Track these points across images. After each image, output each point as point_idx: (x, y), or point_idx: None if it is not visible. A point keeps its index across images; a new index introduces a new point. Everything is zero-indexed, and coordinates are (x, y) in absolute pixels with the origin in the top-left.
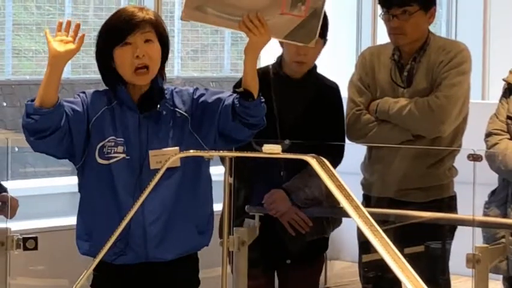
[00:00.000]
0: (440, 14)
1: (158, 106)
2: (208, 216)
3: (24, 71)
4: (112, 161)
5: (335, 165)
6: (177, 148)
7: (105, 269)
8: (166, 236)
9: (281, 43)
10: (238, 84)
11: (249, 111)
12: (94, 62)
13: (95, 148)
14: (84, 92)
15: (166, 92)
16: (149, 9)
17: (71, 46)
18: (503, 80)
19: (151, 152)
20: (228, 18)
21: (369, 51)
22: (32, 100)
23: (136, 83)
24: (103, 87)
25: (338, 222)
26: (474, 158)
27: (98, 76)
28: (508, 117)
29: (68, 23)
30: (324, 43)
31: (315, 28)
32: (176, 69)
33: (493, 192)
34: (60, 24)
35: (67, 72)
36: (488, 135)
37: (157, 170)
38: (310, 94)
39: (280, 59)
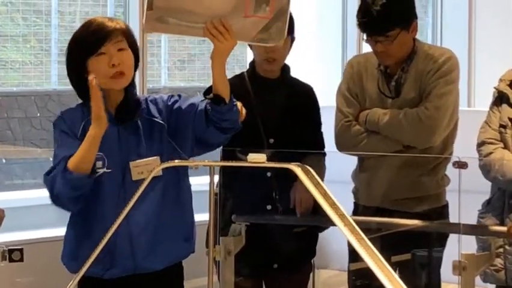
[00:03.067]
0: (426, 22)
1: (134, 117)
2: (191, 224)
3: (10, 82)
4: (96, 175)
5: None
6: (158, 158)
7: (94, 284)
8: (153, 246)
9: (250, 45)
10: (208, 90)
11: (222, 116)
12: None
13: None
14: (60, 117)
15: (141, 101)
16: (119, 19)
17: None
18: (495, 88)
19: (132, 163)
20: (191, 26)
21: (356, 60)
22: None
23: (113, 87)
24: None
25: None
26: (459, 165)
27: None
28: (501, 126)
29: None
30: (292, 40)
31: (283, 28)
32: (163, 79)
33: (488, 202)
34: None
35: (54, 83)
36: (481, 144)
37: (139, 181)
38: (285, 95)
39: (253, 63)
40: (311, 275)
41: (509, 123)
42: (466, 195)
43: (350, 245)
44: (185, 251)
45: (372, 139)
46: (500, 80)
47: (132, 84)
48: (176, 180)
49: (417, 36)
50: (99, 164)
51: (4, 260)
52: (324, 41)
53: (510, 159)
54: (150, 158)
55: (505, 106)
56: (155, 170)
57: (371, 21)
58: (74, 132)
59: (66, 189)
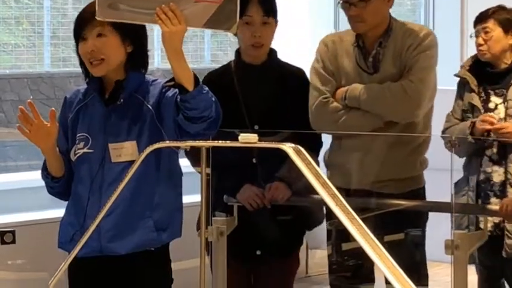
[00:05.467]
0: (419, 1)
1: (121, 100)
2: (171, 212)
3: (3, 65)
4: (76, 157)
5: (315, 153)
6: (134, 142)
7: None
8: (119, 230)
9: (236, 33)
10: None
11: (187, 104)
12: (74, 55)
13: (71, 149)
14: (64, 100)
15: (142, 83)
16: None
17: (49, 129)
18: (455, 75)
19: (111, 145)
20: (142, 13)
21: (330, 39)
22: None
23: (93, 74)
24: (83, 80)
25: (319, 221)
26: (452, 144)
27: (78, 69)
28: (464, 111)
29: (23, 110)
30: (276, 23)
31: (234, 13)
32: (156, 61)
33: (457, 182)
34: (21, 115)
35: (47, 65)
36: (443, 132)
37: (119, 163)
38: (273, 79)
39: (238, 51)
40: (305, 257)
41: (470, 108)
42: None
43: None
44: (154, 240)
45: (352, 115)
46: (461, 67)
47: (138, 65)
48: (156, 165)
49: (410, 15)
50: (81, 144)
51: None
52: (316, 25)
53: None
54: (127, 142)
55: (466, 93)
56: (146, 152)
57: None
58: (67, 116)
59: (46, 187)
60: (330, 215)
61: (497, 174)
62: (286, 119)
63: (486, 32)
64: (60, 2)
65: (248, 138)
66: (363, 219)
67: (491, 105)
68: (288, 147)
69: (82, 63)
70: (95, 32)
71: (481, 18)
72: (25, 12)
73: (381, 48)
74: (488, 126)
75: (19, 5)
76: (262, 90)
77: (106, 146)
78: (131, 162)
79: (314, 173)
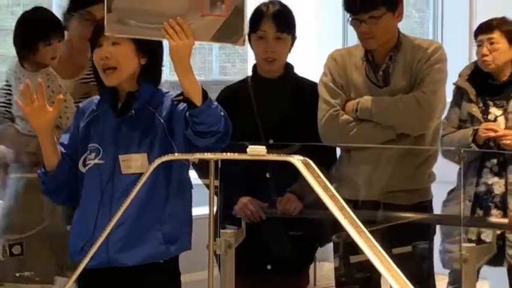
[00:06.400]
0: (427, 15)
1: (133, 112)
2: (181, 225)
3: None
4: (87, 168)
5: (328, 167)
6: (145, 154)
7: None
8: (128, 241)
9: (251, 46)
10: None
11: (195, 118)
12: None
13: (80, 158)
14: (78, 106)
15: (154, 95)
16: None
17: (48, 113)
18: (454, 84)
19: (121, 157)
20: (151, 28)
21: (339, 54)
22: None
23: (106, 84)
24: None
25: (328, 240)
26: (460, 157)
27: None
28: (461, 121)
29: (28, 87)
30: (293, 39)
31: (241, 26)
32: (164, 73)
33: (451, 190)
34: (24, 90)
35: None
36: (441, 139)
37: (129, 175)
38: (289, 93)
39: (255, 65)
40: (313, 269)
41: (469, 118)
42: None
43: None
44: (163, 252)
45: (363, 127)
46: (459, 76)
47: (151, 78)
48: (167, 177)
49: (417, 28)
50: (92, 155)
51: (5, 255)
52: (324, 38)
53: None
54: (137, 154)
55: (464, 102)
56: (155, 164)
57: (357, 0)
58: (78, 125)
59: (41, 185)
60: (337, 228)
61: (498, 186)
62: (302, 133)
63: (492, 43)
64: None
65: (257, 151)
66: (371, 232)
67: (491, 117)
68: (297, 160)
69: (95, 73)
70: (110, 39)
71: (486, 29)
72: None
73: (391, 62)
74: (492, 134)
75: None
76: (278, 105)
77: (117, 157)
78: (142, 174)
79: (323, 185)
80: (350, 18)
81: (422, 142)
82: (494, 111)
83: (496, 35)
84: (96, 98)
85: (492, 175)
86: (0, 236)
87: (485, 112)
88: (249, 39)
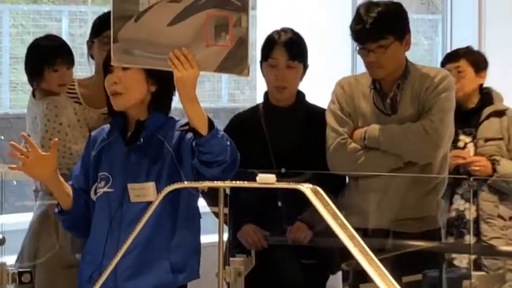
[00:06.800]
0: (436, 42)
1: (142, 140)
2: (189, 254)
3: (21, 104)
4: (97, 196)
5: (336, 195)
6: (153, 184)
7: None
8: (136, 270)
9: (263, 74)
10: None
11: (201, 148)
12: None
13: (92, 187)
14: (90, 135)
15: (164, 123)
16: None
17: (46, 160)
18: None
19: (130, 186)
20: (157, 58)
21: (347, 81)
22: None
23: (114, 108)
24: None
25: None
26: (469, 185)
27: None
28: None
29: (14, 145)
30: (305, 68)
31: (245, 57)
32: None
33: None
34: (12, 152)
35: None
36: None
37: (138, 203)
38: (300, 121)
39: (267, 93)
40: None
41: None
42: None
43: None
44: (170, 282)
45: (371, 156)
46: None
47: (161, 106)
48: (174, 206)
49: (426, 55)
50: (102, 183)
51: (14, 283)
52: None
53: None
54: (146, 183)
55: None
56: (164, 192)
57: (365, 29)
58: (90, 154)
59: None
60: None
61: (469, 212)
62: (314, 161)
63: (459, 71)
64: (79, 41)
65: (266, 179)
66: (380, 260)
67: (460, 144)
68: (306, 188)
69: (108, 101)
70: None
71: (452, 58)
72: None
73: (399, 90)
74: (461, 161)
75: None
76: (289, 133)
77: (126, 185)
78: (151, 202)
79: (332, 213)
80: (358, 48)
81: (430, 170)
82: (464, 138)
83: (462, 63)
84: (107, 126)
85: (463, 201)
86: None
87: (455, 140)
88: (261, 67)
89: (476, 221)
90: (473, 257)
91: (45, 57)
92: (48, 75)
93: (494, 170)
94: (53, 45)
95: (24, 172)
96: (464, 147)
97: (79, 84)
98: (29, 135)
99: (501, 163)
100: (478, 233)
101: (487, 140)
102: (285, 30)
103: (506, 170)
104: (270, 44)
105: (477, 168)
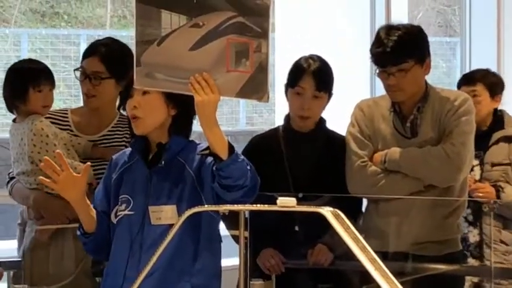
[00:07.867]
0: (454, 64)
1: (163, 163)
2: (210, 278)
3: None
4: (117, 219)
5: (354, 219)
6: (174, 207)
7: None
8: None
9: (287, 99)
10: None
11: (221, 172)
12: None
13: (112, 210)
14: (112, 158)
15: (185, 146)
16: None
17: (77, 180)
18: None
19: (151, 208)
20: (178, 82)
21: (366, 104)
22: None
23: (134, 132)
24: None
25: None
26: (490, 208)
27: None
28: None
29: (48, 160)
30: (329, 97)
31: (265, 83)
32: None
33: None
34: (45, 166)
35: None
36: None
37: (158, 226)
38: (320, 147)
39: (288, 117)
40: None
41: None
42: None
43: None
44: None
45: (392, 178)
46: None
47: (181, 129)
48: (196, 229)
49: (444, 78)
50: (123, 206)
51: None
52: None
53: None
54: (167, 206)
55: None
56: (184, 215)
57: (385, 52)
58: (111, 177)
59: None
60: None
61: (472, 235)
62: (330, 187)
63: (474, 96)
64: None
65: (286, 203)
66: (401, 283)
67: None
68: (326, 211)
69: (129, 125)
70: (141, 90)
71: (469, 81)
72: (62, 76)
73: (419, 113)
74: None
75: (56, 69)
76: (308, 158)
77: (147, 208)
78: (171, 225)
79: (353, 237)
80: (378, 71)
81: (450, 193)
82: None
83: (479, 88)
84: (128, 149)
85: (467, 224)
86: None
87: None
88: (285, 92)
89: (479, 245)
90: (475, 279)
91: (30, 77)
92: (33, 96)
93: (498, 197)
94: (36, 67)
95: (55, 189)
96: (471, 170)
97: (71, 112)
98: (17, 161)
99: (505, 190)
100: (480, 257)
101: (493, 165)
102: (313, 58)
103: (510, 196)
104: (298, 71)
105: (480, 195)
